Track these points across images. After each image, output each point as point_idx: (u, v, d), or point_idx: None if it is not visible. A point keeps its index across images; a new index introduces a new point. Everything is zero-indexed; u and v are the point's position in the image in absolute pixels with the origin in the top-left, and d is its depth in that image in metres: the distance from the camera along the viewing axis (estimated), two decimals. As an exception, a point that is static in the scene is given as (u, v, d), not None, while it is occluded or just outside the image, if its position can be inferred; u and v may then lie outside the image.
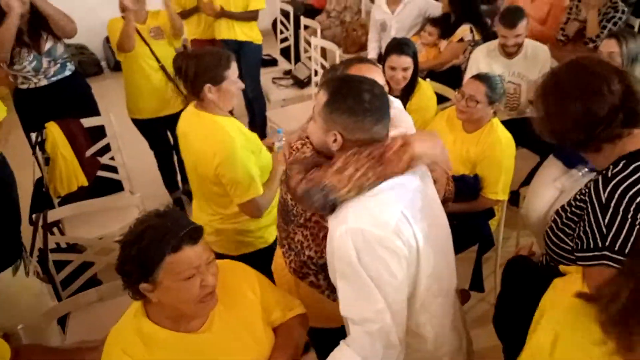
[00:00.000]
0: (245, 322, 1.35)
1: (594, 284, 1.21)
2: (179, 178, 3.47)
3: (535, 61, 2.81)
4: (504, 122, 2.32)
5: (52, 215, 2.21)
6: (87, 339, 1.63)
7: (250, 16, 3.70)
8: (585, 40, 3.29)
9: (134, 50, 2.89)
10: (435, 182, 1.42)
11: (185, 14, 3.83)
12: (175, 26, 2.98)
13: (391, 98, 1.29)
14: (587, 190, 1.25)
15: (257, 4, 3.68)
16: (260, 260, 1.83)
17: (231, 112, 2.03)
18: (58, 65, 2.82)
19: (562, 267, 1.35)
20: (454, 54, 3.52)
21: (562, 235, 1.33)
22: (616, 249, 1.16)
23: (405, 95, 2.54)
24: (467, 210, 2.19)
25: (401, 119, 1.37)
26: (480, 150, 2.20)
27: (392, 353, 1.21)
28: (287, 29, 4.70)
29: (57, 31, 2.75)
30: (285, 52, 4.81)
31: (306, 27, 4.52)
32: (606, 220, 1.17)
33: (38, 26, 2.70)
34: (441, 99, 2.89)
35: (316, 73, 3.96)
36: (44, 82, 2.80)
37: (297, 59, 4.58)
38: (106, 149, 2.82)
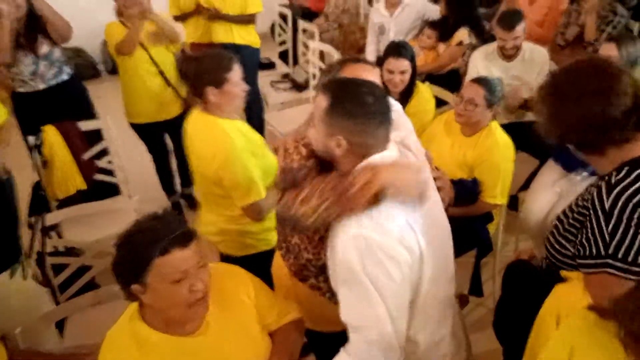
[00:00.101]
0: (240, 325, 1.35)
1: (595, 292, 1.22)
2: (177, 182, 3.46)
3: (533, 64, 2.82)
4: (504, 126, 2.33)
5: (50, 218, 2.20)
6: (84, 343, 1.63)
7: (247, 19, 3.70)
8: (584, 44, 3.30)
9: (132, 55, 2.89)
10: (439, 190, 1.42)
11: (183, 17, 3.83)
12: (167, 34, 2.94)
13: (391, 101, 1.28)
14: (589, 196, 1.25)
15: (254, 7, 3.68)
16: (263, 262, 1.83)
17: None
18: (55, 69, 2.81)
19: (563, 273, 1.34)
20: (452, 57, 3.52)
21: (563, 242, 1.33)
22: (619, 256, 1.16)
23: (404, 98, 2.54)
24: (465, 214, 2.19)
25: (401, 122, 1.37)
26: (478, 154, 2.20)
27: (392, 356, 1.21)
28: (285, 32, 4.71)
29: (53, 34, 2.74)
30: (283, 56, 4.82)
31: (304, 30, 4.52)
32: (609, 228, 1.17)
33: (35, 30, 2.69)
34: (440, 103, 2.90)
35: (314, 76, 3.96)
36: (41, 86, 2.79)
37: (295, 62, 4.59)
38: (104, 152, 2.81)
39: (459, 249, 2.16)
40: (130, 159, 2.97)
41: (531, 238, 2.48)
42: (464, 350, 1.48)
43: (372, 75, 1.41)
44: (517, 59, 2.86)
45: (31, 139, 2.66)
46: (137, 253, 1.19)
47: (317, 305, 1.56)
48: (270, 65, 4.73)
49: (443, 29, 3.54)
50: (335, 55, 3.76)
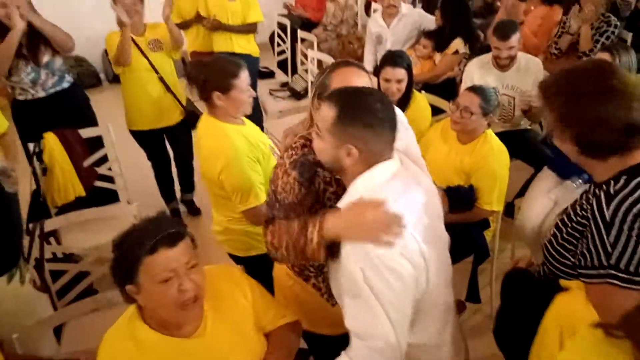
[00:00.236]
0: (237, 327, 1.36)
1: (597, 302, 1.22)
2: (177, 189, 3.48)
3: (528, 73, 2.84)
4: (499, 134, 2.35)
5: (49, 224, 2.21)
6: (82, 349, 1.63)
7: (249, 29, 3.75)
8: (579, 54, 3.34)
9: (132, 63, 2.92)
10: None
11: (185, 25, 3.87)
12: (174, 38, 3.00)
13: (396, 109, 1.28)
14: (588, 206, 1.24)
15: (255, 16, 3.73)
16: (267, 264, 1.86)
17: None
18: (56, 78, 2.83)
19: (562, 282, 1.34)
20: (448, 67, 3.56)
21: (562, 251, 1.33)
22: (621, 267, 1.16)
23: (400, 107, 2.54)
24: (462, 221, 2.21)
25: (402, 130, 1.36)
26: (474, 161, 2.22)
27: None
28: (284, 42, 4.75)
29: (55, 46, 2.77)
30: (282, 65, 4.85)
31: (303, 40, 4.57)
32: (611, 238, 1.17)
33: (37, 39, 2.71)
34: (436, 111, 2.92)
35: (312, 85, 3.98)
36: (41, 94, 2.81)
37: (294, 71, 4.62)
38: (103, 159, 2.82)
39: (456, 256, 2.17)
40: (129, 167, 2.99)
41: (527, 245, 2.50)
42: (463, 356, 1.49)
43: (363, 78, 1.42)
44: (512, 68, 2.89)
45: (31, 146, 2.67)
46: (128, 253, 1.21)
47: (316, 307, 1.58)
48: (269, 74, 4.77)
49: (439, 38, 3.58)
50: (333, 64, 3.78)
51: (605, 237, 1.17)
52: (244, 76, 1.93)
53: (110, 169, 2.85)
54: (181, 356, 1.27)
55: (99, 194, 2.83)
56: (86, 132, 2.77)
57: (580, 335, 1.01)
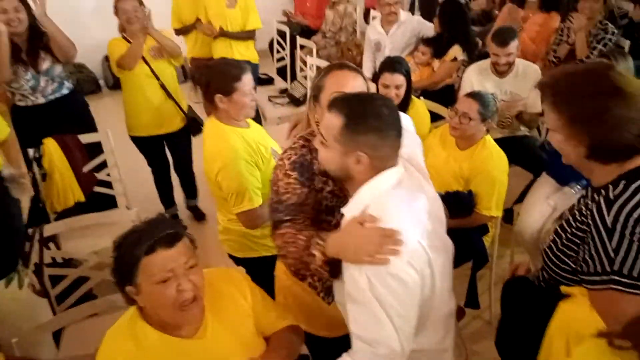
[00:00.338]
0: (237, 329, 1.36)
1: (601, 308, 1.20)
2: (176, 195, 3.47)
3: (526, 80, 2.86)
4: (497, 141, 2.35)
5: (48, 229, 2.21)
6: (81, 353, 1.63)
7: (248, 36, 3.77)
8: (576, 62, 3.36)
9: (133, 69, 2.93)
10: None
11: (185, 31, 3.90)
12: (168, 50, 2.99)
13: (402, 115, 1.29)
14: (588, 212, 1.23)
15: (254, 23, 3.76)
16: (263, 267, 1.88)
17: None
18: (56, 84, 2.84)
19: (563, 289, 1.33)
20: (447, 73, 3.58)
21: (562, 256, 1.32)
22: (625, 272, 1.15)
23: (399, 112, 2.58)
24: (461, 226, 2.21)
25: (408, 137, 1.36)
26: (473, 166, 2.23)
27: None
28: (283, 49, 4.77)
29: (57, 53, 2.78)
30: (281, 71, 4.88)
31: (302, 47, 4.59)
32: (613, 244, 1.16)
33: (37, 45, 2.72)
34: (435, 117, 2.94)
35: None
36: (41, 100, 2.82)
37: (293, 77, 4.64)
38: (103, 165, 2.83)
39: (455, 261, 2.18)
40: (129, 172, 2.99)
41: (526, 250, 2.51)
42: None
43: (357, 80, 1.43)
44: (510, 75, 2.91)
45: (31, 152, 2.68)
46: (126, 254, 1.22)
47: (314, 308, 1.58)
48: (268, 81, 4.79)
49: (437, 45, 3.60)
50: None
51: (607, 243, 1.17)
52: (247, 79, 1.95)
53: (108, 174, 2.85)
54: (181, 357, 1.27)
55: (98, 200, 2.83)
56: (86, 138, 2.78)
57: (586, 345, 1.00)
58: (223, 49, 3.72)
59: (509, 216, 2.84)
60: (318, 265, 1.25)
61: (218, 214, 2.17)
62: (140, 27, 2.89)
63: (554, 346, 1.29)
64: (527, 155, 2.90)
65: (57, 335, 2.03)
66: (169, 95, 3.04)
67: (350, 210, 1.24)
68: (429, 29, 3.80)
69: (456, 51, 3.51)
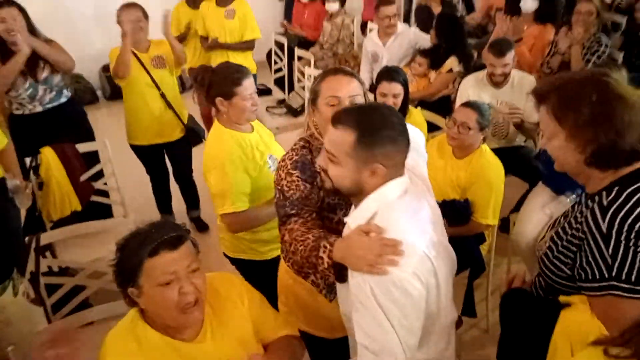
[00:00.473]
0: (237, 334, 1.36)
1: (602, 314, 1.20)
2: (174, 204, 3.48)
3: (521, 90, 2.89)
4: (493, 151, 2.37)
5: (45, 238, 2.20)
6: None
7: (247, 46, 3.81)
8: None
9: (135, 78, 2.94)
10: None
11: (182, 39, 3.93)
12: (177, 55, 3.03)
13: (412, 128, 1.30)
14: (582, 219, 1.24)
15: (252, 33, 3.79)
16: (253, 270, 1.94)
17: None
18: (54, 93, 2.85)
19: (563, 298, 1.32)
20: (443, 84, 3.61)
21: (558, 263, 1.32)
22: (623, 277, 1.15)
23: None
24: (458, 235, 2.22)
25: (415, 147, 1.38)
26: (470, 175, 2.24)
27: None
28: (281, 60, 4.81)
29: (56, 67, 2.80)
30: (279, 82, 4.90)
31: (300, 58, 4.62)
32: (610, 250, 1.16)
33: (36, 55, 2.73)
34: (432, 127, 2.96)
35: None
36: (39, 109, 2.83)
37: (291, 88, 4.67)
38: (100, 174, 2.83)
39: (452, 269, 2.17)
40: (127, 181, 2.98)
41: (522, 259, 2.50)
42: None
43: (353, 83, 1.47)
44: (506, 85, 2.94)
45: (27, 160, 2.67)
46: (130, 255, 1.23)
47: (315, 308, 1.59)
48: (266, 92, 4.81)
49: (434, 57, 3.64)
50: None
51: (604, 249, 1.17)
52: (247, 84, 1.97)
53: (105, 183, 2.85)
54: (182, 359, 1.27)
55: (95, 209, 2.82)
56: (83, 147, 2.78)
57: (583, 353, 1.00)
58: (220, 59, 3.73)
59: (505, 225, 2.85)
60: (324, 268, 1.25)
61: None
62: (141, 39, 2.91)
63: (559, 353, 1.28)
64: (523, 165, 2.92)
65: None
66: (169, 105, 3.06)
67: (355, 219, 1.23)
68: (425, 40, 3.84)
69: (452, 63, 3.55)
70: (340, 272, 1.26)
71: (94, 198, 2.82)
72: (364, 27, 5.46)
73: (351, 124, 1.17)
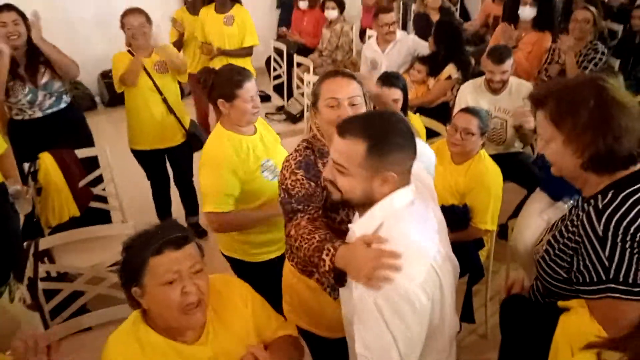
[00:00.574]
0: (239, 336, 1.36)
1: (601, 317, 1.20)
2: (173, 209, 3.47)
3: (519, 97, 2.90)
4: (492, 157, 2.38)
5: (43, 243, 2.19)
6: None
7: (246, 52, 3.83)
8: (567, 80, 3.41)
9: (137, 83, 2.95)
10: None
11: (179, 43, 3.95)
12: (174, 65, 3.03)
13: (421, 144, 1.31)
14: (578, 222, 1.24)
15: (251, 40, 3.81)
16: (245, 270, 1.96)
17: None
18: (54, 98, 2.85)
19: (561, 303, 1.32)
20: (442, 91, 3.63)
21: (555, 267, 1.33)
22: (620, 279, 1.16)
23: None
24: (457, 240, 2.22)
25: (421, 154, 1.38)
26: (469, 180, 2.25)
27: None
28: (280, 67, 4.83)
29: (58, 71, 2.80)
30: (278, 89, 4.93)
31: (299, 64, 4.65)
32: (606, 253, 1.17)
33: (35, 60, 2.75)
34: (431, 134, 2.97)
35: (308, 108, 4.05)
36: (38, 114, 2.83)
37: (290, 95, 4.69)
38: (99, 179, 2.82)
39: (453, 276, 2.17)
40: (126, 186, 2.98)
41: (521, 265, 2.50)
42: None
43: (352, 85, 1.48)
44: (504, 92, 2.95)
45: (26, 166, 2.67)
46: (135, 254, 1.25)
47: (318, 307, 1.60)
48: (265, 98, 4.84)
49: (433, 64, 3.66)
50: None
51: (600, 252, 1.18)
52: (249, 86, 1.98)
53: (104, 189, 2.84)
54: None
55: (93, 215, 2.82)
56: (82, 153, 2.78)
57: (578, 357, 1.01)
58: (220, 65, 3.75)
59: (503, 231, 2.85)
60: (325, 271, 1.26)
61: None
62: (144, 44, 2.92)
63: (561, 356, 1.28)
64: (521, 171, 2.93)
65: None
66: (170, 110, 3.06)
67: (361, 227, 1.22)
68: (424, 47, 3.86)
69: (451, 70, 3.57)
70: (339, 276, 1.26)
71: (93, 204, 2.81)
72: (362, 34, 5.50)
73: (359, 134, 1.15)
